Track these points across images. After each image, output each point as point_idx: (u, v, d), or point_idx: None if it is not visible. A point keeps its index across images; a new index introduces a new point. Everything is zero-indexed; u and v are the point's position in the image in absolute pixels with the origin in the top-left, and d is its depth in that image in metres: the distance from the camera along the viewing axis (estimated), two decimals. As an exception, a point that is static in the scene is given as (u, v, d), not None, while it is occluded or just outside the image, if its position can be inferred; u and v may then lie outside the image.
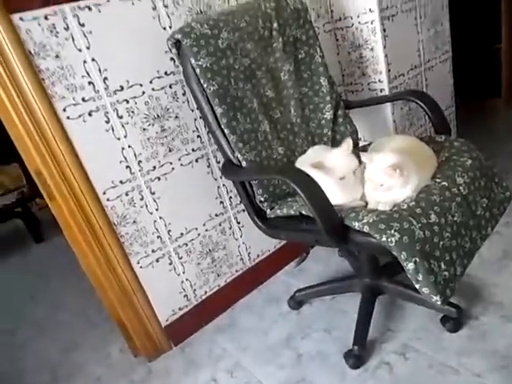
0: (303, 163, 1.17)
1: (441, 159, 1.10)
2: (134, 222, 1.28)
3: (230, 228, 1.52)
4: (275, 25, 1.25)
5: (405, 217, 0.89)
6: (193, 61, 1.10)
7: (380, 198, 0.97)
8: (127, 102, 1.19)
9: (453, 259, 0.90)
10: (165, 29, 1.23)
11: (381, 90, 1.60)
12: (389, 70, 1.55)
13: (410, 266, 0.84)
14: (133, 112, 1.21)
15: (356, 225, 0.90)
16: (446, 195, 0.95)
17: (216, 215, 1.47)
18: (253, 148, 1.18)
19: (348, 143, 1.03)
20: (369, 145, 1.30)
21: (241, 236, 1.56)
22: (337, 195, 1.01)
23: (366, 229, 0.88)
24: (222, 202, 1.48)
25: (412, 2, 1.57)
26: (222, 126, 1.14)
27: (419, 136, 1.26)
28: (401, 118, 1.64)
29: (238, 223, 1.53)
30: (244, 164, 1.16)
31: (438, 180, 1.01)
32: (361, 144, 1.43)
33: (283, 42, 1.27)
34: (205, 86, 1.11)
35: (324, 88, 1.34)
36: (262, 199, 1.18)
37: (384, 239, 0.85)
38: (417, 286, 0.86)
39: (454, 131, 1.95)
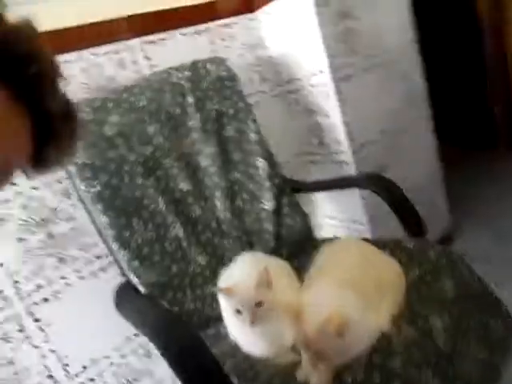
0: (228, 280, 0.86)
1: (411, 278, 0.77)
2: (11, 362, 0.96)
3: (158, 348, 1.18)
4: (190, 99, 0.99)
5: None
6: (65, 156, 0.83)
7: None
8: (-6, 206, 0.91)
9: None
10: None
11: (346, 163, 1.30)
12: (351, 139, 1.27)
13: None
14: (1, 220, 0.92)
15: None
16: (415, 360, 0.61)
17: (136, 335, 1.14)
18: (156, 265, 0.87)
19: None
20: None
21: (174, 356, 1.21)
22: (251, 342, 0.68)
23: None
24: (143, 317, 1.15)
25: (373, 58, 1.31)
26: (110, 240, 0.84)
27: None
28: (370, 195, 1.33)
29: (170, 339, 1.19)
30: (143, 290, 0.84)
31: (403, 325, 0.67)
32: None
33: (202, 119, 1.00)
34: (82, 187, 0.83)
35: (261, 171, 1.05)
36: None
37: None
38: None
39: (443, 200, 1.59)
